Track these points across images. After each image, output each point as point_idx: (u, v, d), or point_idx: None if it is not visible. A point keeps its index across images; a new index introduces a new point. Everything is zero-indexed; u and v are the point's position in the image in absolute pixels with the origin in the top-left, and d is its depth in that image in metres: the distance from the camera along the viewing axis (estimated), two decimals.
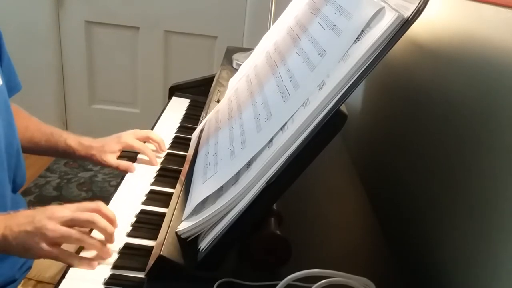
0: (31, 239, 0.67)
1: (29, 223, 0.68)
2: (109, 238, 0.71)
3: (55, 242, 0.68)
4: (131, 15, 2.34)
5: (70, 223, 0.69)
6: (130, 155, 1.03)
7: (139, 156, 1.02)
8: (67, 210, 0.70)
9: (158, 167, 0.99)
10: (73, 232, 0.69)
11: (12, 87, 0.95)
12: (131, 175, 0.96)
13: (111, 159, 1.00)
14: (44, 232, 0.67)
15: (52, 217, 0.69)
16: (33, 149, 1.01)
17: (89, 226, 0.71)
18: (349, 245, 0.79)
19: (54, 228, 0.68)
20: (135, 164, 0.98)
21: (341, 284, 0.57)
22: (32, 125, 1.02)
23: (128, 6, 2.32)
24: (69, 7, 2.33)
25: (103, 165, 1.00)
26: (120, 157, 1.02)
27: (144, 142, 1.05)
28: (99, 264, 0.69)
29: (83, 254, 0.70)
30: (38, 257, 0.70)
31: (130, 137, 1.02)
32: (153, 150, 1.03)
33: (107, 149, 1.00)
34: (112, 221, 0.72)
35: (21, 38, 2.31)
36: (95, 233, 0.73)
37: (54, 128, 1.03)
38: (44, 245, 0.67)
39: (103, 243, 0.70)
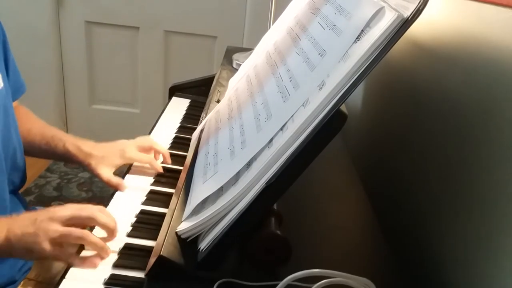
0: (34, 240, 0.68)
1: (31, 224, 0.69)
2: (111, 233, 0.73)
3: (57, 242, 0.68)
4: (131, 15, 2.34)
5: (71, 222, 0.70)
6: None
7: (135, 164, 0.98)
8: (68, 210, 0.71)
9: None
10: (73, 230, 0.69)
11: (18, 89, 0.96)
12: (131, 175, 0.95)
13: (105, 172, 0.94)
14: (45, 232, 0.68)
15: (53, 218, 0.69)
16: (34, 152, 0.99)
17: (90, 223, 0.72)
18: (349, 245, 0.79)
19: (55, 228, 0.68)
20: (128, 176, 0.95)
21: (341, 284, 0.57)
22: (35, 128, 1.00)
23: (128, 6, 2.32)
24: (69, 7, 2.33)
25: (95, 176, 0.95)
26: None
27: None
28: (100, 262, 0.69)
29: (83, 254, 0.70)
30: (40, 258, 0.71)
31: (134, 151, 0.97)
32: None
33: (107, 162, 0.95)
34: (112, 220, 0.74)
35: (21, 38, 2.30)
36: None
37: (57, 131, 1.00)
38: (46, 245, 0.67)
39: (103, 241, 0.71)
